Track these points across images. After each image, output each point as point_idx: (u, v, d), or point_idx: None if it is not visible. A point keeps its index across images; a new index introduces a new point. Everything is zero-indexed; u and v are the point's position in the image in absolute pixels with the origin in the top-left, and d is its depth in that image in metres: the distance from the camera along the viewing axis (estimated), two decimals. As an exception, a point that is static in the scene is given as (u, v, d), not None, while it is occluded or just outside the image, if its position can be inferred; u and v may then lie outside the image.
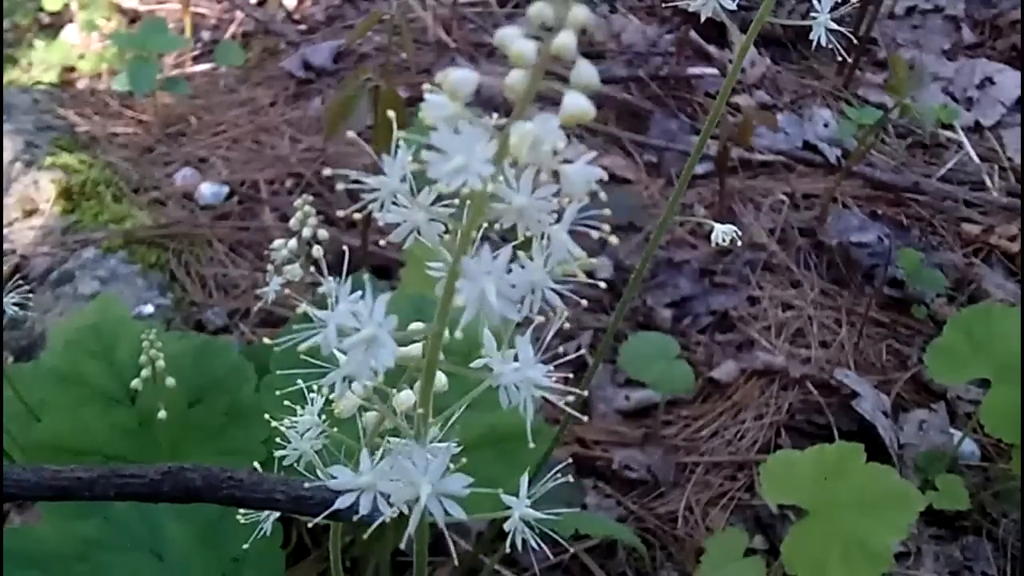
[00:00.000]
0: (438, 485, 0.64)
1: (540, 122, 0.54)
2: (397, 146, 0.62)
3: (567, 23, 0.54)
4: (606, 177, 0.58)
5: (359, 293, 0.60)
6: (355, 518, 0.67)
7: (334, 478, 0.67)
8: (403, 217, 0.63)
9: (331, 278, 0.63)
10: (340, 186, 0.65)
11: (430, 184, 0.59)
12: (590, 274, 0.61)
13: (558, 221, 0.59)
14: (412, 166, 0.61)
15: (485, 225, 0.60)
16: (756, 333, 2.00)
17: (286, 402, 0.79)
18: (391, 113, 0.67)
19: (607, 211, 0.60)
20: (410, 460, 0.64)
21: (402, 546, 0.68)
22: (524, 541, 0.73)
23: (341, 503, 0.67)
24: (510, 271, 0.58)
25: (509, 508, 0.73)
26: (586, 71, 0.55)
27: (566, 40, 0.54)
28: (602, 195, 0.58)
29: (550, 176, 0.56)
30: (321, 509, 0.72)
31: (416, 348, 0.68)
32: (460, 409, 0.70)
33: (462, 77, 0.56)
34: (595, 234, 0.61)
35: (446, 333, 0.65)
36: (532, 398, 0.65)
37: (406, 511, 0.66)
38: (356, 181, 0.63)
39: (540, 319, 0.62)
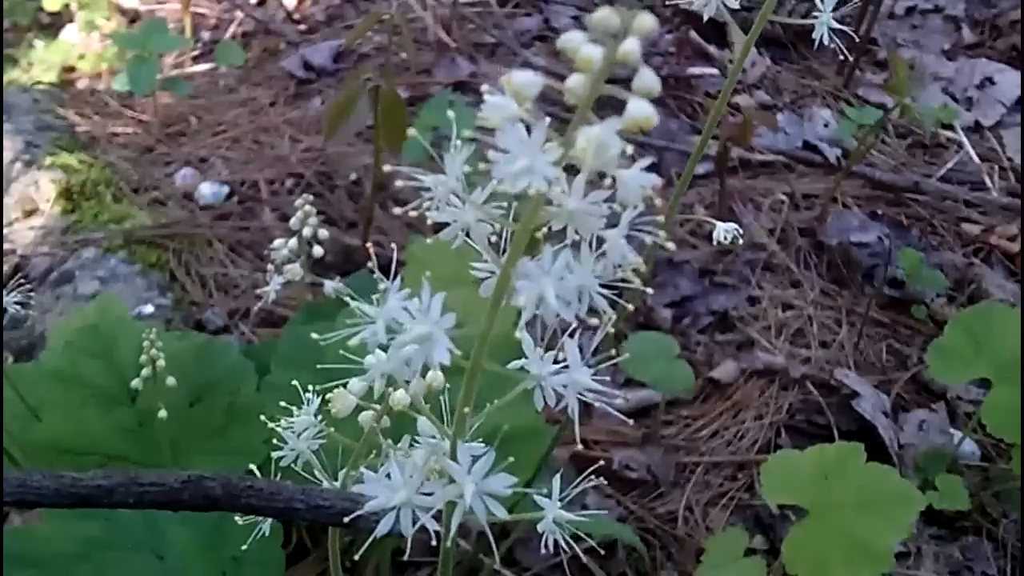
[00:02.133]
0: (481, 484, 0.64)
1: (606, 127, 0.55)
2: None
3: (632, 30, 0.55)
4: (660, 184, 0.58)
5: (408, 291, 0.61)
6: (379, 533, 0.67)
7: (365, 487, 0.67)
8: (453, 217, 0.63)
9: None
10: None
11: (481, 185, 0.60)
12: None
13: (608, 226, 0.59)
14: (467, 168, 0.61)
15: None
16: (756, 333, 2.00)
17: (284, 404, 0.79)
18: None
19: (660, 218, 0.61)
20: (451, 458, 0.65)
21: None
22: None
23: (383, 527, 0.68)
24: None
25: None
26: (649, 78, 0.56)
27: (631, 47, 0.54)
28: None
29: (612, 181, 0.57)
30: (339, 518, 0.72)
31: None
32: (485, 411, 0.71)
33: (528, 80, 0.56)
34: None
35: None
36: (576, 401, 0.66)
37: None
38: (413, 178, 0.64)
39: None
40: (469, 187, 0.63)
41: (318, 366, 0.74)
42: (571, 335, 0.65)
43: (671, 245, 0.61)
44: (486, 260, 0.65)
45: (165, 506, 0.81)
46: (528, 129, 0.56)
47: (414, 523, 0.68)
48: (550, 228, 0.60)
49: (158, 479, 0.80)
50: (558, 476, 0.74)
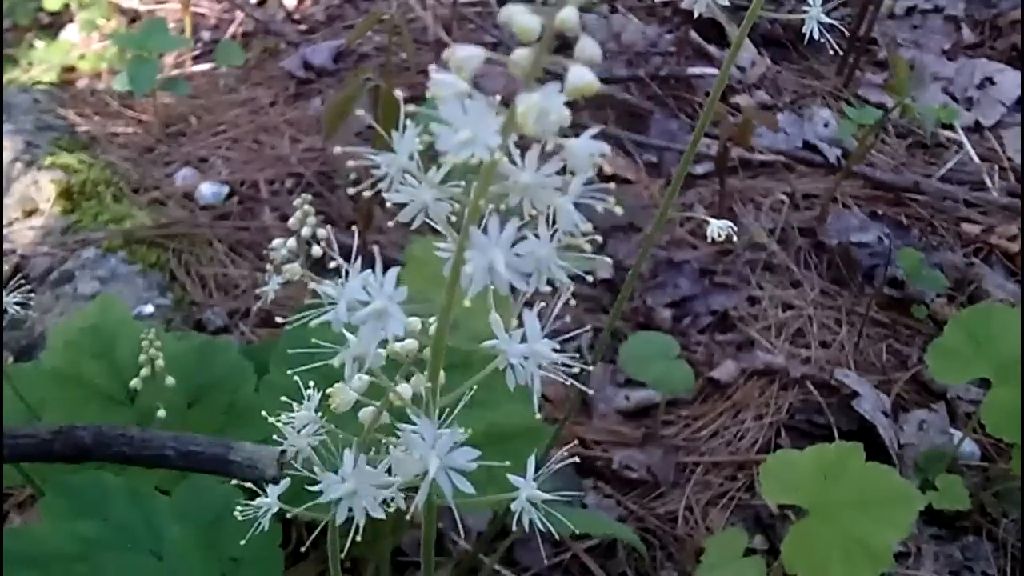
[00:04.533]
0: (446, 459, 0.65)
1: (546, 93, 0.55)
2: (403, 125, 0.63)
3: None
4: (609, 151, 0.58)
5: (369, 271, 0.62)
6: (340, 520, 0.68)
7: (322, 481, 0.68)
8: (411, 196, 0.63)
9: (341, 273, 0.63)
10: (351, 167, 0.65)
11: (436, 165, 0.61)
12: (589, 272, 0.62)
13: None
14: (419, 146, 0.62)
15: (491, 206, 0.61)
16: (756, 333, 2.00)
17: (284, 399, 0.79)
18: (397, 94, 0.68)
19: (612, 188, 0.61)
20: (419, 435, 0.65)
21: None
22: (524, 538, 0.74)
23: (341, 516, 0.69)
24: (517, 243, 0.59)
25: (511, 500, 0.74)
26: (589, 46, 0.56)
27: (568, 15, 0.55)
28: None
29: (555, 149, 0.57)
30: (212, 465, 0.72)
31: (416, 321, 0.68)
32: (468, 395, 0.71)
33: (469, 53, 0.57)
34: (591, 240, 0.61)
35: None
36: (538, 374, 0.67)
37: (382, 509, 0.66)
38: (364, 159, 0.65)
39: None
40: (427, 168, 0.63)
41: (306, 365, 0.75)
42: (531, 307, 0.66)
43: (619, 210, 0.61)
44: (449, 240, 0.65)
45: (38, 457, 0.80)
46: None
47: (367, 511, 0.69)
48: (508, 206, 0.60)
49: (30, 431, 0.80)
50: (532, 455, 0.74)
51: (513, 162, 0.58)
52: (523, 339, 0.67)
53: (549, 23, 0.56)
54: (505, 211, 0.60)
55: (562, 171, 0.58)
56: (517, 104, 0.56)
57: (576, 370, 0.69)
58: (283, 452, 0.73)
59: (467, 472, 0.66)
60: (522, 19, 0.55)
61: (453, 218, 0.64)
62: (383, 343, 0.65)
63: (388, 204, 0.65)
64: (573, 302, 0.66)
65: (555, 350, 0.67)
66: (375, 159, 0.63)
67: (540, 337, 0.66)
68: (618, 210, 0.61)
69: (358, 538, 0.69)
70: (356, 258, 0.63)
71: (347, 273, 0.63)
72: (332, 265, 0.64)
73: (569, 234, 0.60)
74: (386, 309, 0.61)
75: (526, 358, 0.67)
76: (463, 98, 0.56)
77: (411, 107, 0.63)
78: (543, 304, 0.67)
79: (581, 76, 0.55)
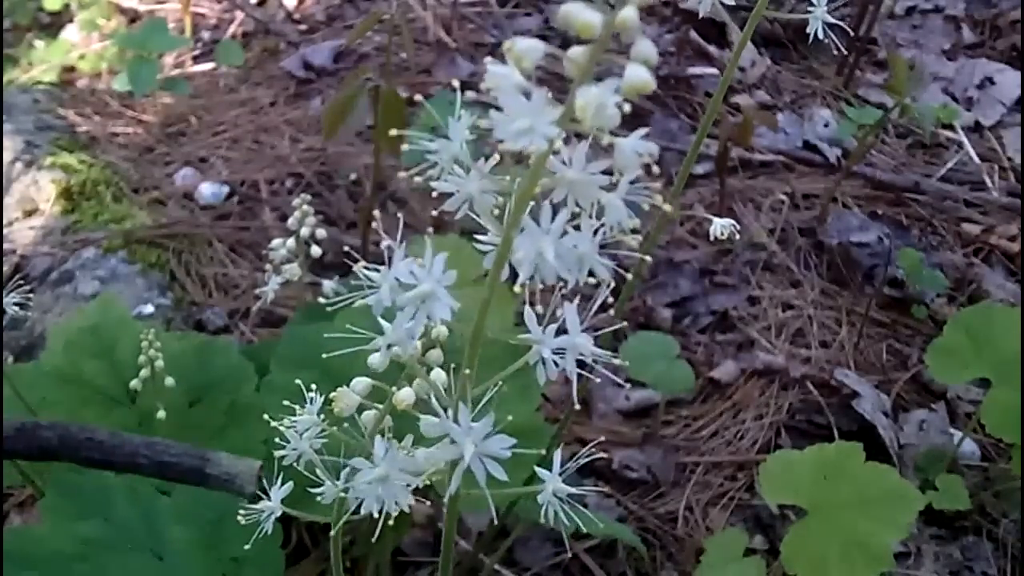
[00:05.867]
0: (481, 446, 0.65)
1: (605, 87, 0.56)
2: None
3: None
4: (657, 153, 0.59)
5: (412, 258, 0.62)
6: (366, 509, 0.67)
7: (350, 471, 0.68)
8: (457, 187, 0.63)
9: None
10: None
11: (485, 156, 0.61)
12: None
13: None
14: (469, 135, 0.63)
15: (532, 202, 0.61)
16: (756, 333, 2.00)
17: (286, 402, 0.79)
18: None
19: (656, 185, 0.62)
20: (454, 420, 0.66)
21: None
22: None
23: (369, 504, 0.69)
24: (564, 234, 0.60)
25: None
26: (646, 47, 0.57)
27: (629, 14, 0.56)
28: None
29: (607, 146, 0.58)
30: (185, 476, 0.71)
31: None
32: (492, 390, 0.71)
33: (530, 45, 0.57)
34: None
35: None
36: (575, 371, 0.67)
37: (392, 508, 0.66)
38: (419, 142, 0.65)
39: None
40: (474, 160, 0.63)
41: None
42: (570, 302, 0.66)
43: (668, 207, 0.62)
44: (489, 234, 0.65)
45: None
46: (528, 95, 0.57)
47: (396, 502, 0.69)
48: (553, 200, 0.60)
49: None
50: (559, 451, 0.74)
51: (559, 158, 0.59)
52: (558, 332, 0.67)
53: (608, 21, 0.56)
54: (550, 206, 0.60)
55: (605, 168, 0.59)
56: (576, 97, 0.56)
57: (617, 362, 0.69)
58: (262, 467, 0.73)
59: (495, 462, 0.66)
60: (583, 15, 0.55)
61: (496, 212, 0.64)
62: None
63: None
64: (611, 299, 0.66)
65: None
66: (430, 145, 0.63)
67: (579, 330, 0.66)
68: (667, 207, 0.62)
69: (390, 522, 0.69)
70: (402, 243, 0.63)
71: (390, 257, 0.62)
72: (384, 243, 0.63)
73: (616, 229, 0.60)
74: (433, 292, 0.61)
75: (562, 352, 0.66)
76: (520, 90, 0.57)
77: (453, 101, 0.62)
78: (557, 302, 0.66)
79: (639, 74, 0.56)
